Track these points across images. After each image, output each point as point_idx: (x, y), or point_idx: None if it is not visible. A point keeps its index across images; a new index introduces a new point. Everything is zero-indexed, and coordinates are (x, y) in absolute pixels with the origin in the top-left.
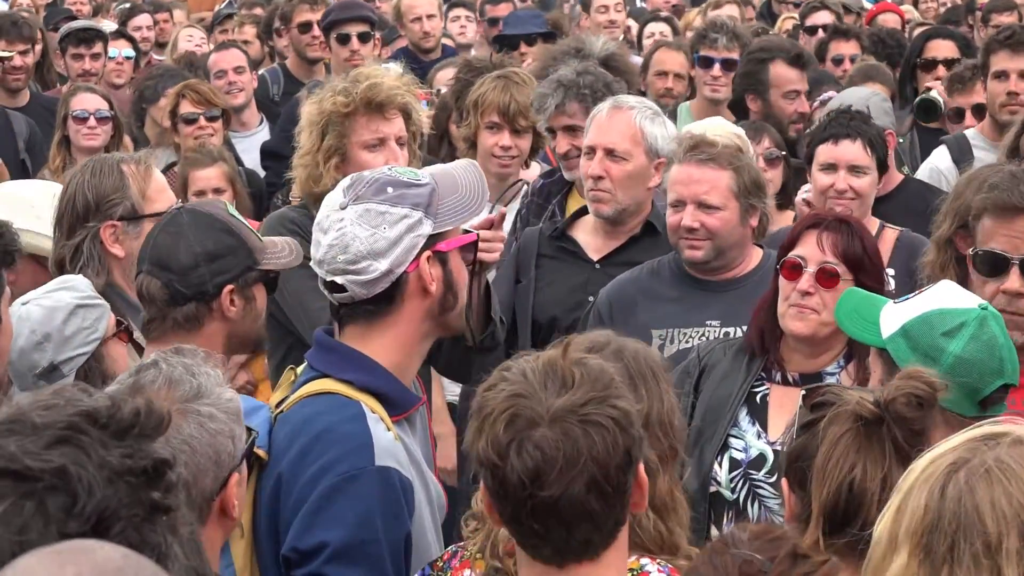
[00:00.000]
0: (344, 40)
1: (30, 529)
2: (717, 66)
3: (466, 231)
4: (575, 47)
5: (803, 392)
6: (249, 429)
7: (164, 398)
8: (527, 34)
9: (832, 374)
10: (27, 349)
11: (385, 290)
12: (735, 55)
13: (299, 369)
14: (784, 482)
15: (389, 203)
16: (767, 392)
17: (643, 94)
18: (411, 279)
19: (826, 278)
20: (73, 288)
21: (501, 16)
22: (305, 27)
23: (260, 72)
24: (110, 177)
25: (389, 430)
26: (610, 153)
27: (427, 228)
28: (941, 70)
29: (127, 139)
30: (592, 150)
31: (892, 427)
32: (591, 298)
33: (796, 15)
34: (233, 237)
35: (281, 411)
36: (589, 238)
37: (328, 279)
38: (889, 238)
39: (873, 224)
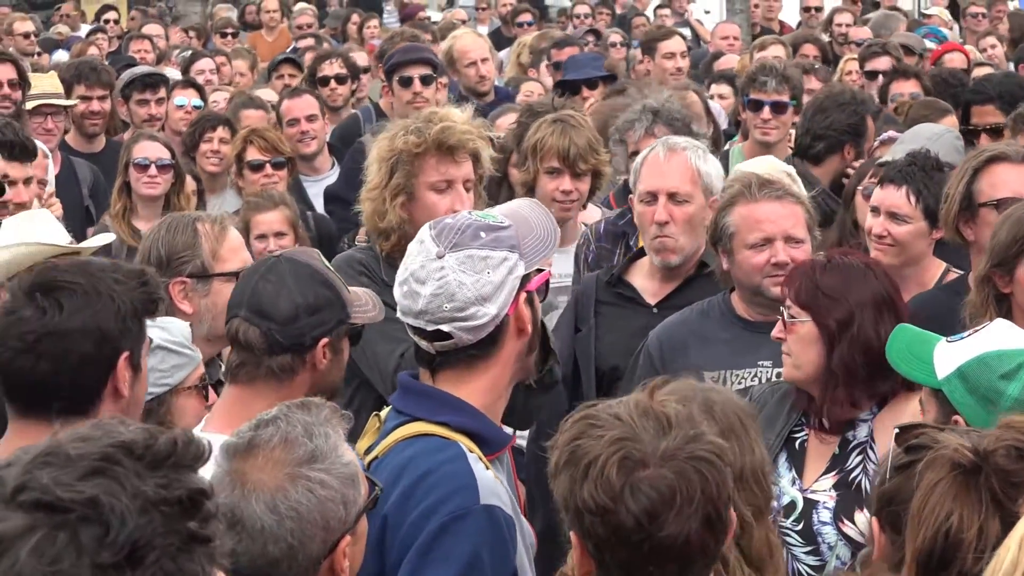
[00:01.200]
0: (406, 83)
1: (62, 560)
2: (767, 109)
3: (539, 270)
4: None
5: (896, 431)
6: (372, 483)
7: (277, 459)
8: (588, 78)
9: (864, 420)
10: None
11: (489, 334)
12: (785, 97)
13: (383, 414)
14: (875, 522)
15: (488, 247)
16: (806, 438)
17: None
18: (511, 321)
19: (785, 324)
20: (165, 329)
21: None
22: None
23: (354, 111)
24: (183, 234)
25: (488, 469)
26: (672, 197)
27: (521, 269)
28: (984, 139)
29: (188, 180)
30: (653, 196)
31: (990, 477)
32: None
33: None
34: (331, 290)
35: (375, 456)
36: (646, 282)
37: (431, 328)
38: None
39: (937, 268)
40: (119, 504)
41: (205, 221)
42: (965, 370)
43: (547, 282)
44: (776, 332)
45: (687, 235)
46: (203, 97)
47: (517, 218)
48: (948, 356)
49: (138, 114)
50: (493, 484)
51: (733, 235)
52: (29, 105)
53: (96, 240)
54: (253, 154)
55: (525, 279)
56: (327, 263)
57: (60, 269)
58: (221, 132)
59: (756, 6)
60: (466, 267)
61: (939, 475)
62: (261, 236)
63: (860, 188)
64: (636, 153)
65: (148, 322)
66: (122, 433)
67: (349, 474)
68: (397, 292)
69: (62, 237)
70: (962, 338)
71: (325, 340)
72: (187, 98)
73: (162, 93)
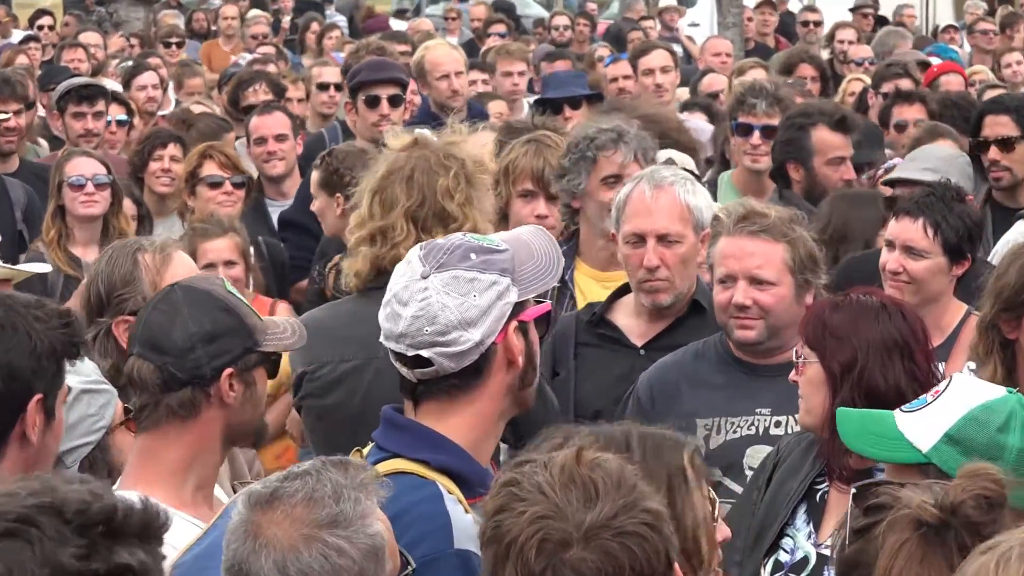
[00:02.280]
0: (373, 103)
1: None
2: (756, 133)
3: (539, 301)
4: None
5: (854, 491)
6: (406, 560)
7: (297, 517)
8: (571, 96)
9: (881, 470)
10: None
11: (473, 363)
12: (776, 121)
13: (365, 450)
14: None
15: (477, 269)
16: (827, 489)
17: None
18: (499, 351)
19: (798, 366)
20: (78, 372)
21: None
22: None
23: (321, 130)
24: (122, 268)
25: (468, 512)
26: (663, 239)
27: (514, 296)
28: (994, 151)
29: (128, 203)
30: (640, 238)
31: (960, 533)
32: None
33: (862, 76)
34: (232, 316)
35: None
36: (631, 321)
37: (411, 354)
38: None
39: (958, 310)
40: (23, 572)
41: (146, 250)
42: (955, 434)
43: (548, 314)
44: (792, 375)
45: (681, 276)
46: (130, 112)
47: (517, 243)
48: (923, 426)
49: (73, 128)
50: (470, 528)
51: (712, 269)
52: None
53: (32, 267)
54: (211, 169)
55: (519, 307)
56: (231, 288)
57: None
58: (172, 149)
59: (750, 19)
60: (451, 288)
61: (903, 536)
62: (209, 265)
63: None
64: (613, 177)
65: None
66: (55, 491)
67: (373, 546)
68: (380, 314)
69: None
70: (925, 403)
71: (229, 370)
72: (111, 114)
73: (100, 106)
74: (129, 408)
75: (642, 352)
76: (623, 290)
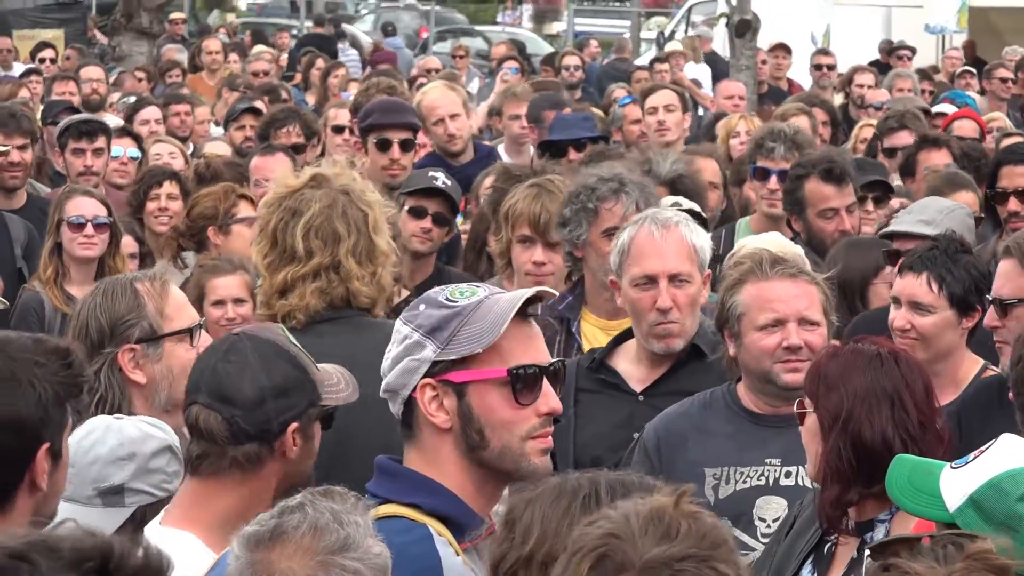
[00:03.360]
0: (384, 146)
1: None
2: (774, 178)
3: (530, 366)
4: (640, 166)
5: (868, 551)
6: None
7: (307, 548)
8: (576, 139)
9: (883, 521)
10: (106, 459)
11: (404, 415)
12: None
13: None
14: None
15: (403, 320)
16: (835, 541)
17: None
18: (418, 407)
19: (799, 415)
20: (166, 431)
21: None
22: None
23: None
24: (123, 298)
25: (458, 555)
26: (674, 279)
27: (428, 353)
28: (1013, 203)
29: (127, 241)
30: (651, 279)
31: None
32: (636, 434)
33: (873, 122)
34: (299, 370)
35: None
36: (631, 367)
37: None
38: None
39: (972, 364)
40: None
41: (143, 280)
42: (977, 498)
43: (515, 379)
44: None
45: (690, 318)
46: (141, 147)
47: (489, 303)
48: (956, 484)
49: (73, 165)
50: (461, 570)
51: (741, 316)
52: None
53: None
54: (248, 210)
55: (451, 365)
56: (292, 338)
57: None
58: (168, 187)
59: (764, 62)
60: (394, 335)
61: None
62: (218, 302)
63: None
64: (614, 229)
65: (146, 420)
66: (51, 533)
67: (381, 566)
68: None
69: None
70: (967, 461)
71: (294, 425)
72: (123, 147)
73: (100, 143)
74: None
75: (641, 398)
76: (625, 335)
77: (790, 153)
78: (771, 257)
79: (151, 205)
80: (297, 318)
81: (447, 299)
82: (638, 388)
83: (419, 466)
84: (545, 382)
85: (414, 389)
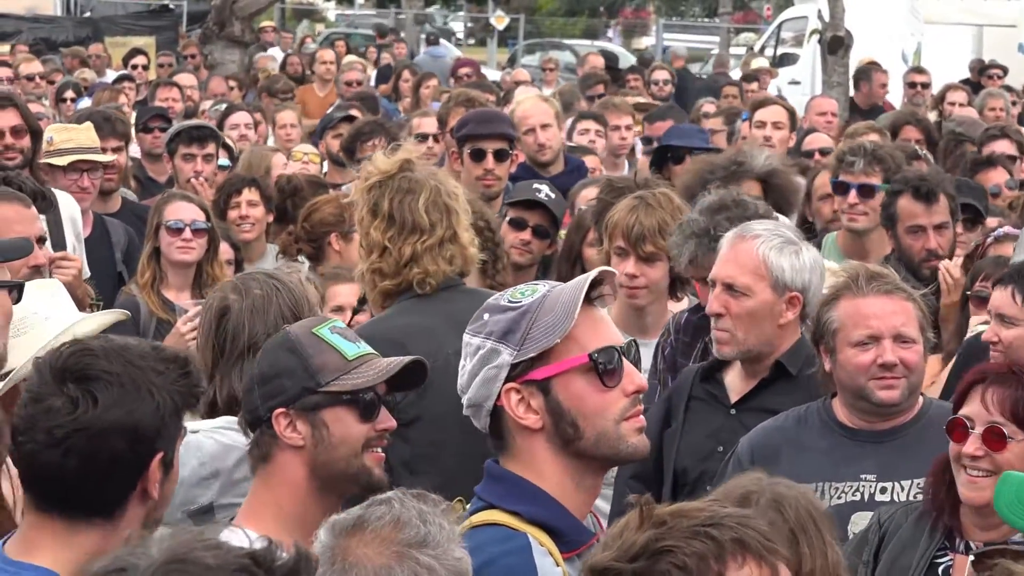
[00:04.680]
0: (478, 156)
1: None
2: (853, 192)
3: (609, 347)
4: (735, 160)
5: (971, 558)
6: None
7: (386, 538)
8: (691, 148)
9: (1020, 543)
10: (190, 482)
11: (492, 426)
12: (875, 180)
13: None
14: None
15: (471, 333)
16: (950, 564)
17: (808, 223)
18: (507, 414)
19: (993, 439)
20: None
21: (657, 136)
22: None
23: None
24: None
25: (559, 565)
26: (729, 288)
27: (506, 357)
28: None
29: (224, 247)
30: (713, 284)
31: None
32: (720, 448)
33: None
34: (294, 356)
35: None
36: (735, 379)
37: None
38: None
39: None
40: None
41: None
42: None
43: (595, 363)
44: (973, 449)
45: (746, 330)
46: (231, 156)
47: (553, 295)
48: None
49: (183, 171)
50: None
51: (836, 332)
52: (63, 161)
53: (108, 315)
54: None
55: (530, 364)
56: (325, 328)
57: (95, 354)
58: (248, 194)
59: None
60: (464, 351)
61: None
62: (338, 308)
63: (969, 292)
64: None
65: (224, 424)
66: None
67: (460, 570)
68: None
69: (69, 311)
70: None
71: (282, 410)
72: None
73: (210, 148)
74: None
75: (732, 411)
76: None
77: (870, 168)
78: (868, 273)
79: (232, 214)
80: (430, 283)
81: (510, 301)
82: (734, 399)
83: (525, 471)
84: (626, 362)
85: (498, 397)
